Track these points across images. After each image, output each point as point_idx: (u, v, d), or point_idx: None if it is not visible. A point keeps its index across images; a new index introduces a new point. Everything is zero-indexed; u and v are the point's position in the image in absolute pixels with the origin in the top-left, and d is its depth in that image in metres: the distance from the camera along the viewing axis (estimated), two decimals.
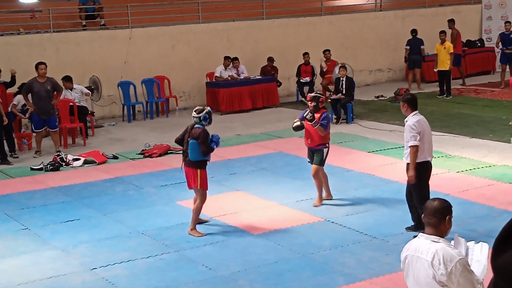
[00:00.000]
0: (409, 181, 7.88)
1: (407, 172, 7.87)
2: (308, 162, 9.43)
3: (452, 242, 4.31)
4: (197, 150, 8.13)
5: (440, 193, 9.22)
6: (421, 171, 7.82)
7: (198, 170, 8.24)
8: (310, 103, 9.18)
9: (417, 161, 7.76)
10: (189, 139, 8.19)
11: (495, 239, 2.05)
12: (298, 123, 9.27)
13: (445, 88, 17.57)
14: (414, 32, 18.90)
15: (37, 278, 7.21)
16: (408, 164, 7.84)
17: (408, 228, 8.21)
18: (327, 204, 9.35)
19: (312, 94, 9.41)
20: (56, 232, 8.66)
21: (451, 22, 19.50)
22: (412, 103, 7.89)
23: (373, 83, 20.48)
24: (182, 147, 8.46)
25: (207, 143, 8.13)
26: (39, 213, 9.46)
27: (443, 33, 17.73)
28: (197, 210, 8.40)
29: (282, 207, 9.39)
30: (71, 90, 14.27)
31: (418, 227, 7.68)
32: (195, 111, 8.32)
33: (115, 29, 17.03)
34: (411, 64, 18.86)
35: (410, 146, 7.76)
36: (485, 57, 21.60)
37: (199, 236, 8.24)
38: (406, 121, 7.91)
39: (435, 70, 17.74)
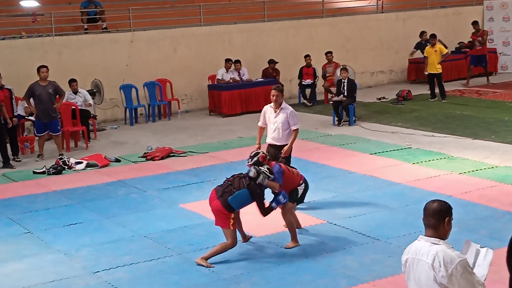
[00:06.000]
0: (285, 155, 9.21)
1: (282, 150, 9.23)
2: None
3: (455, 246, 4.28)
4: None
5: (443, 195, 9.22)
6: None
7: None
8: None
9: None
10: None
11: (510, 239, 2.05)
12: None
13: (438, 91, 17.38)
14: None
15: (40, 282, 7.21)
16: (280, 145, 9.29)
17: None
18: (330, 206, 9.35)
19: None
20: (59, 235, 8.67)
21: (476, 24, 19.58)
22: None
23: (374, 85, 20.48)
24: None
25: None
26: (41, 216, 9.47)
27: (434, 37, 17.60)
28: None
29: None
30: (75, 94, 14.29)
31: None
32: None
33: (117, 33, 17.06)
34: None
35: (296, 129, 9.27)
36: (487, 58, 21.52)
37: None
38: (284, 108, 9.48)
39: (425, 73, 17.65)
